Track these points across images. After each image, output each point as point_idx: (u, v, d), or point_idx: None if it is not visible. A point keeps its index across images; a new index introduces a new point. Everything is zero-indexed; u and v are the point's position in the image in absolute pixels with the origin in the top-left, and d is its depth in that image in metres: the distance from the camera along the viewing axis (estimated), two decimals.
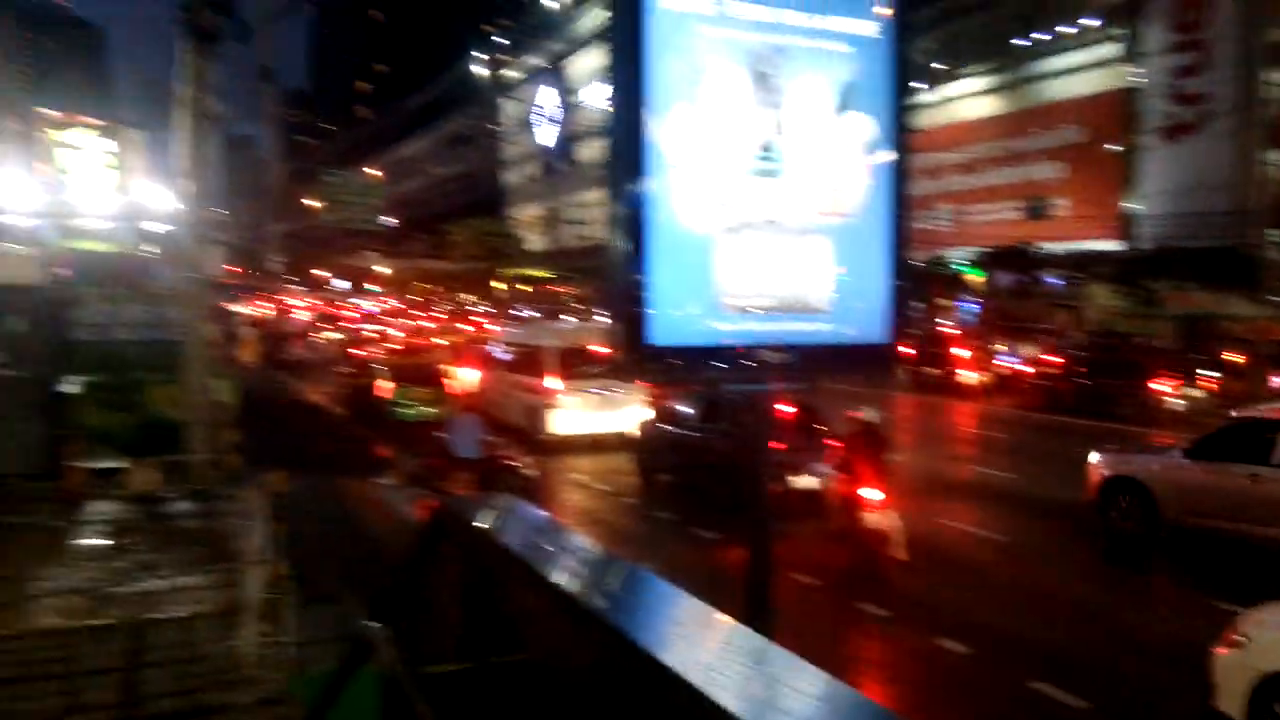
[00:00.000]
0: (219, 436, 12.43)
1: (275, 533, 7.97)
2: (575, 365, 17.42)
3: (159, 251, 29.51)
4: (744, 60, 4.12)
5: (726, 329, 4.19)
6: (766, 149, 4.20)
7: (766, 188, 4.23)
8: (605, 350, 17.49)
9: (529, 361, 18.48)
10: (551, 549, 2.82)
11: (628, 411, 16.50)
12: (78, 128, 32.47)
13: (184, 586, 7.76)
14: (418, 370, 19.97)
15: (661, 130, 3.97)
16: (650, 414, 15.43)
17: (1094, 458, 12.17)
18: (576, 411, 17.08)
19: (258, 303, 49.51)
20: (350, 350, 28.36)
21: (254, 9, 24.92)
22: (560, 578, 2.52)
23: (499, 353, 20.41)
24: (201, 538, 9.85)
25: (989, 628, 8.74)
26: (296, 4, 70.29)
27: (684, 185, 4.07)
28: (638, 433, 15.44)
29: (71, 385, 12.69)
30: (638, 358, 4.07)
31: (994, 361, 27.22)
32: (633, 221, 3.95)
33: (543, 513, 3.37)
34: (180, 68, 14.01)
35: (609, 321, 4.26)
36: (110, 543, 9.55)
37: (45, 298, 12.19)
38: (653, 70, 3.93)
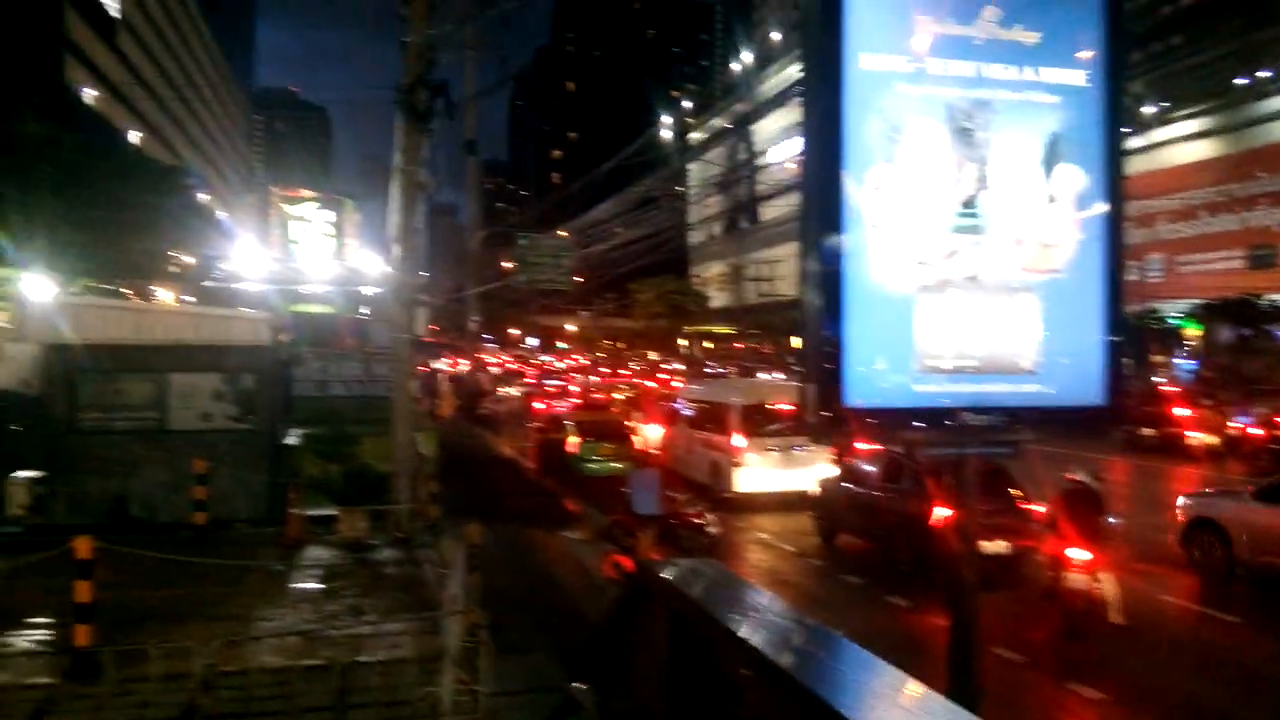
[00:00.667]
0: (420, 487, 13.10)
1: (471, 583, 8.25)
2: (759, 422, 17.30)
3: (370, 313, 31.76)
4: (944, 116, 4.02)
5: (926, 390, 4.05)
6: (969, 205, 4.07)
7: (969, 244, 4.09)
8: (789, 407, 17.29)
9: (712, 417, 18.49)
10: (754, 615, 2.76)
11: (812, 470, 16.24)
12: (305, 201, 35.56)
13: (387, 631, 8.15)
14: (604, 425, 20.38)
15: (858, 190, 3.92)
16: (833, 472, 15.10)
17: (1181, 501, 13.09)
18: (760, 469, 16.92)
19: (456, 360, 52.21)
20: (538, 405, 29.33)
21: (460, 88, 26.61)
22: (766, 646, 2.46)
23: (683, 408, 20.46)
24: (403, 584, 10.35)
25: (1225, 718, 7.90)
26: (500, 82, 74.73)
27: (881, 244, 3.99)
28: (817, 490, 15.10)
29: (293, 437, 13.77)
30: (832, 419, 3.98)
31: (1227, 422, 24.71)
32: (828, 281, 3.91)
33: (742, 578, 3.31)
34: (396, 143, 15.13)
35: (801, 382, 4.15)
36: (323, 587, 10.19)
37: (273, 357, 13.32)
38: (850, 131, 3.90)
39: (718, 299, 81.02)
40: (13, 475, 12.51)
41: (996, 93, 4.05)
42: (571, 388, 36.78)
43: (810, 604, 10.97)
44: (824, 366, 3.88)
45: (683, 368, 60.16)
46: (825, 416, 3.92)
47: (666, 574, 3.36)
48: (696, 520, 12.98)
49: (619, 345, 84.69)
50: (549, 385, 39.80)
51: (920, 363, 4.02)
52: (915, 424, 4.07)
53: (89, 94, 55.54)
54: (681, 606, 2.99)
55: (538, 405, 28.48)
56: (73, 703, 6.58)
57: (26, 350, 13.26)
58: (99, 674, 6.37)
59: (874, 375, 3.95)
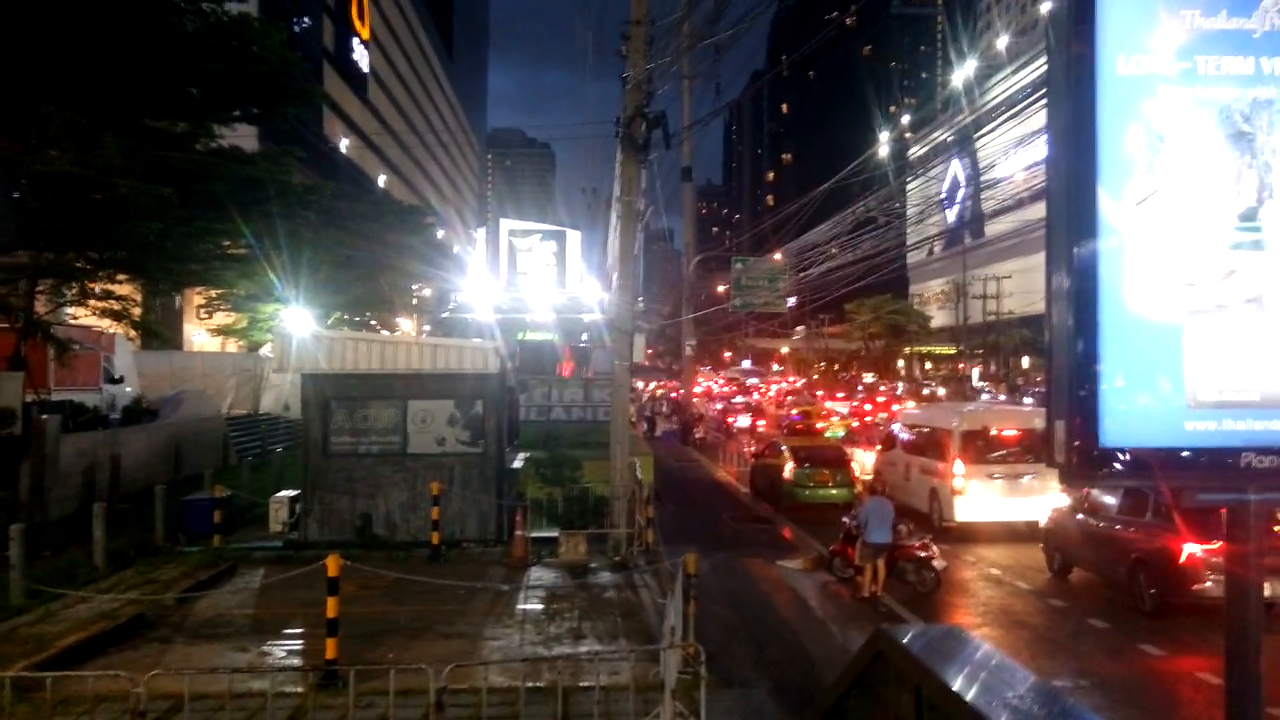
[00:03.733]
0: (638, 512, 13.25)
1: (689, 613, 8.19)
2: (982, 448, 16.47)
3: (590, 339, 32.74)
4: (1218, 120, 3.56)
5: (1199, 428, 3.57)
6: (1249, 218, 3.57)
7: (1249, 262, 3.59)
8: (1015, 432, 16.62)
9: (931, 443, 17.76)
10: (1013, 700, 2.40)
11: (1042, 499, 15.21)
12: (531, 234, 37.29)
13: (606, 656, 8.22)
14: (821, 451, 19.90)
15: (1115, 205, 3.53)
16: (1063, 501, 14.08)
17: None
18: (983, 497, 16.04)
19: (673, 384, 52.95)
20: (754, 429, 29.08)
21: (677, 116, 27.07)
22: None
23: (900, 433, 19.71)
24: (622, 609, 10.46)
25: None
26: (715, 113, 75.57)
27: (1144, 264, 3.57)
28: (1047, 522, 14.03)
29: (518, 461, 14.34)
30: (1087, 461, 3.58)
31: None
32: (1080, 308, 3.53)
33: (1007, 658, 2.88)
34: (616, 174, 15.47)
35: (1048, 417, 3.77)
36: (546, 608, 10.47)
37: (501, 384, 13.93)
38: (1105, 141, 3.52)
39: (939, 318, 77.84)
40: (275, 495, 13.72)
41: None
42: (793, 411, 36.26)
43: (1054, 651, 10.13)
44: (1076, 400, 3.50)
45: (897, 389, 58.13)
46: (1079, 458, 3.53)
47: (911, 644, 2.95)
48: (922, 553, 12.35)
49: (835, 367, 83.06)
50: (770, 408, 39.51)
51: (1192, 397, 3.56)
52: (1187, 467, 3.60)
53: (344, 143, 61.01)
54: (931, 691, 2.61)
55: (757, 430, 28.24)
56: (320, 713, 7.04)
57: (288, 379, 14.54)
58: (344, 686, 6.79)
59: (1136, 410, 3.53)
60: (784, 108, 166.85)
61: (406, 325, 45.83)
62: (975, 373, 66.30)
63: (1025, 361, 61.79)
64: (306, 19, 53.98)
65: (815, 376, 78.58)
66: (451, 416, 13.52)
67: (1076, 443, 3.51)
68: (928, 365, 77.64)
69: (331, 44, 60.43)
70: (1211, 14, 3.58)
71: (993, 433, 16.73)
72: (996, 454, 16.40)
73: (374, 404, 13.39)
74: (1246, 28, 3.58)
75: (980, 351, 65.58)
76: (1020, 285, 60.70)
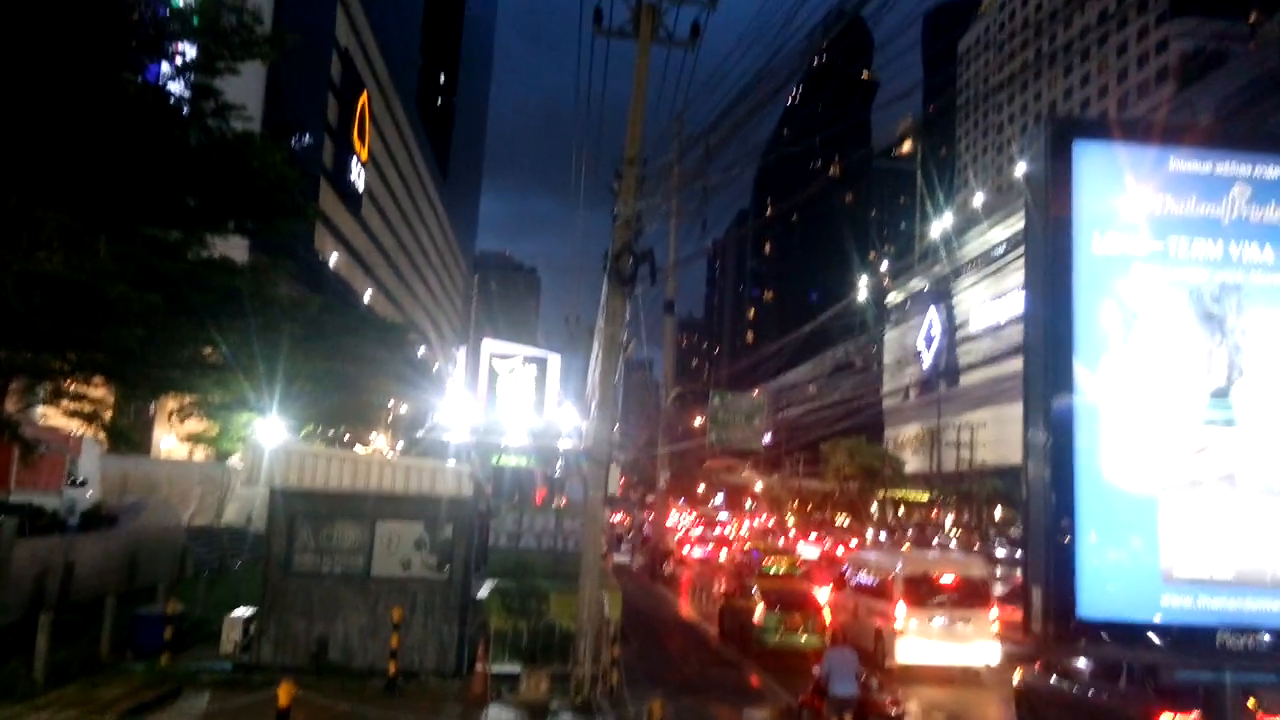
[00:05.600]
0: (603, 649, 12.88)
1: None
2: (923, 592, 17.13)
3: (564, 466, 32.51)
4: (1189, 300, 3.71)
5: (1175, 604, 3.58)
6: (1220, 395, 3.67)
7: (1221, 439, 3.67)
8: (953, 578, 17.40)
9: (877, 585, 18.39)
10: None
11: (978, 645, 16.48)
12: (511, 356, 37.47)
13: None
14: (791, 595, 19.59)
15: (1091, 377, 3.63)
16: (995, 648, 15.55)
17: None
18: (923, 640, 16.65)
19: (643, 516, 52.41)
20: (720, 568, 28.66)
21: (662, 250, 27.74)
22: None
23: (850, 574, 20.19)
24: None
25: None
26: (700, 254, 77.59)
27: (1118, 438, 3.64)
28: (1018, 683, 13.83)
29: (484, 590, 13.99)
30: (1064, 632, 3.56)
31: None
32: (1057, 479, 3.57)
33: None
34: (601, 305, 15.71)
35: (1025, 581, 3.77)
36: None
37: (473, 510, 13.74)
38: (1080, 315, 3.64)
39: (913, 463, 78.07)
40: (230, 614, 13.28)
41: (1249, 275, 3.71)
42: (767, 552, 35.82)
43: None
44: (1053, 574, 3.50)
45: (874, 533, 57.73)
46: (1056, 628, 3.51)
47: None
48: (893, 710, 12.02)
49: (809, 507, 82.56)
50: (737, 546, 39.07)
51: (1168, 571, 3.58)
52: (1164, 643, 3.58)
53: (333, 257, 61.84)
54: None
55: (723, 568, 27.87)
56: None
57: (256, 492, 14.28)
58: None
59: (1113, 582, 3.54)
60: (766, 247, 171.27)
61: (381, 441, 45.43)
62: (949, 520, 66.11)
63: (999, 512, 61.78)
64: (308, 136, 55.50)
65: (788, 516, 77.99)
66: (419, 540, 13.26)
67: (1055, 613, 3.50)
68: (900, 510, 77.38)
69: (330, 162, 61.99)
70: (1182, 198, 3.78)
71: (933, 578, 17.44)
72: (937, 599, 17.04)
73: (341, 523, 13.14)
74: (1215, 214, 3.77)
75: (954, 498, 65.56)
76: (994, 435, 61.24)
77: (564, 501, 24.08)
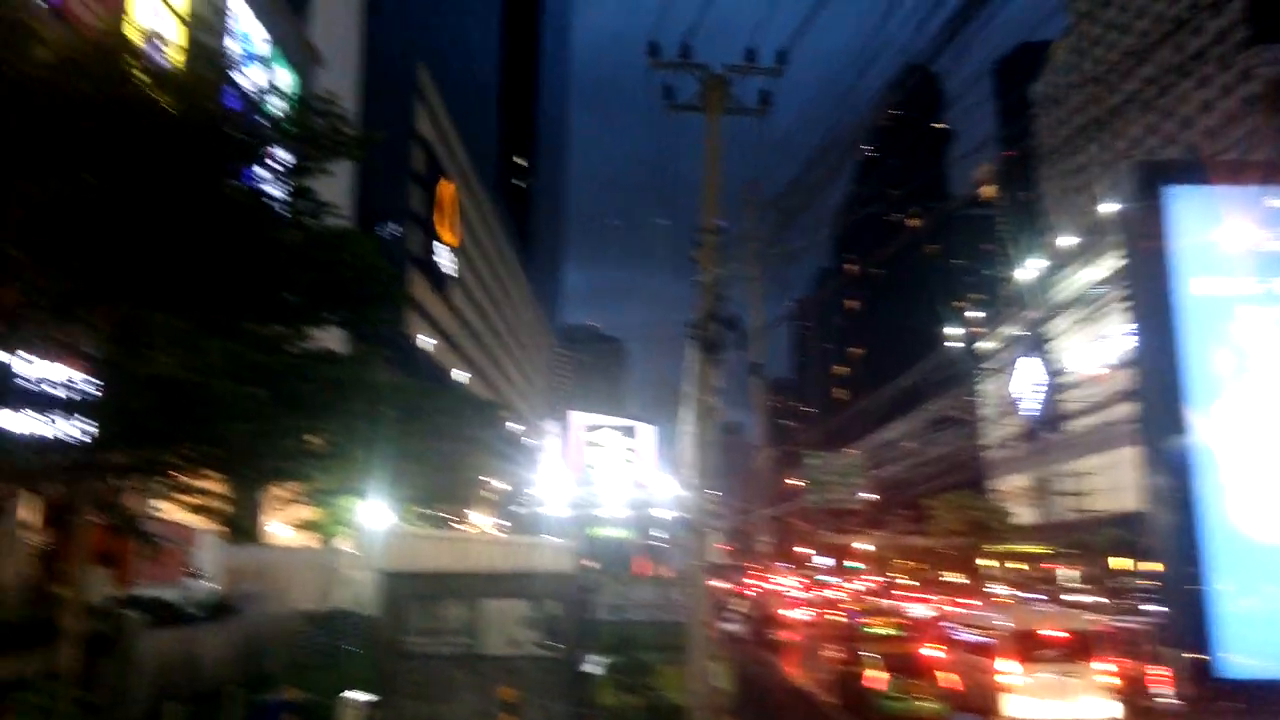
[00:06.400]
0: None
1: None
2: (1031, 648, 17.04)
3: (666, 537, 32.33)
4: None
5: None
6: None
7: None
8: (1063, 634, 17.26)
9: (989, 643, 18.15)
10: None
11: (1090, 701, 16.38)
12: (602, 428, 37.76)
13: None
14: (908, 658, 19.10)
15: (1206, 423, 3.52)
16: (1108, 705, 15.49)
17: None
18: (1032, 696, 16.58)
19: (746, 581, 51.55)
20: (828, 632, 27.93)
21: (747, 314, 27.76)
22: None
23: (956, 632, 19.80)
24: None
25: None
26: (786, 317, 77.50)
27: (1245, 487, 3.51)
28: None
29: (591, 665, 13.94)
30: (1206, 692, 3.41)
31: None
32: (1184, 534, 3.46)
33: None
34: (687, 371, 15.80)
35: (1164, 644, 3.62)
36: None
37: (575, 584, 13.77)
38: (1188, 359, 3.56)
39: (1023, 515, 75.21)
40: (343, 695, 13.50)
41: None
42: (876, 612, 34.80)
43: None
44: (1190, 634, 3.37)
45: (999, 590, 55.57)
46: (1199, 689, 3.37)
47: None
48: None
49: (918, 565, 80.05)
50: (847, 608, 38.07)
51: None
52: None
53: (424, 339, 63.61)
54: None
55: (837, 632, 27.19)
56: None
57: (365, 576, 14.60)
58: None
59: (1256, 638, 3.38)
60: (851, 303, 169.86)
61: (480, 519, 45.98)
62: (1061, 573, 63.32)
63: (1119, 562, 58.91)
64: (395, 226, 57.64)
65: (895, 575, 75.80)
66: (525, 617, 13.33)
67: (1195, 674, 3.35)
68: (1008, 564, 74.43)
69: (417, 249, 64.15)
70: None
71: (1043, 633, 17.38)
72: (1047, 654, 16.97)
73: (448, 603, 13.31)
74: None
75: (1075, 550, 62.81)
76: (1108, 481, 58.76)
77: (665, 571, 23.91)
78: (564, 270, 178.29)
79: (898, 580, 71.04)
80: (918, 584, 63.90)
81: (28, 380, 13.52)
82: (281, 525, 35.79)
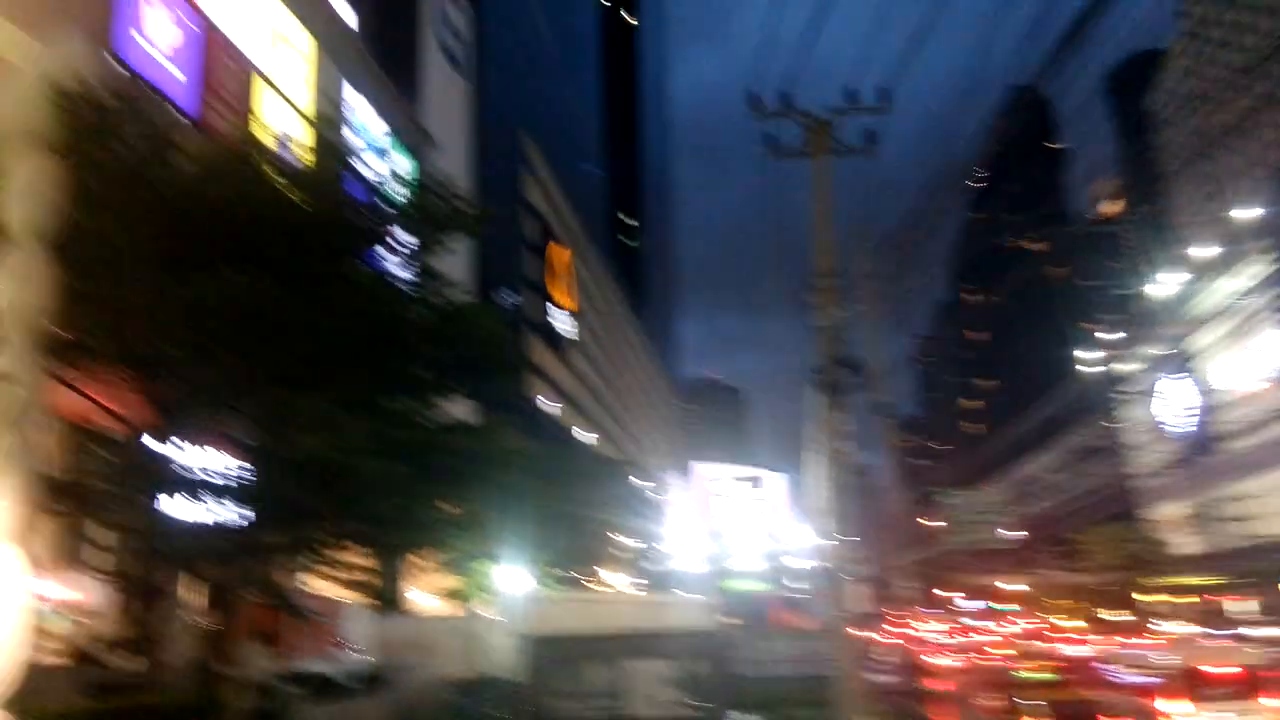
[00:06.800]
0: None
1: None
2: (1203, 686, 16.10)
3: (805, 588, 31.72)
4: None
5: None
6: None
7: None
8: (1234, 670, 16.45)
9: (1155, 681, 17.17)
10: None
11: None
12: (731, 479, 37.52)
13: None
14: (1077, 704, 18.10)
15: None
16: None
17: None
18: None
19: (888, 629, 49.87)
20: (985, 678, 26.68)
21: (867, 355, 27.30)
22: None
23: (1123, 673, 18.58)
24: None
25: None
26: (917, 357, 75.88)
27: None
28: None
29: None
30: None
31: None
32: None
33: None
34: (811, 417, 15.60)
35: None
36: None
37: (715, 641, 13.63)
38: None
39: (1183, 544, 70.58)
40: None
41: None
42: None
43: None
44: None
45: (1166, 626, 52.17)
46: None
47: None
48: None
49: (1073, 604, 75.92)
50: (996, 652, 36.31)
51: None
52: None
53: (545, 401, 64.78)
54: None
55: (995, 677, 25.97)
56: None
57: (507, 641, 14.80)
58: None
59: None
60: (975, 334, 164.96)
61: (614, 578, 46.08)
62: (1232, 605, 58.96)
63: None
64: (513, 295, 59.24)
65: (1049, 616, 72.04)
66: (667, 676, 13.24)
67: None
68: (1172, 598, 69.80)
69: (535, 314, 65.71)
70: None
71: (1210, 670, 16.60)
72: (1215, 691, 16.21)
73: (590, 665, 13.35)
74: None
75: (1248, 580, 58.51)
76: (1278, 504, 54.76)
77: (806, 623, 23.38)
78: (679, 324, 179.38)
79: (1054, 621, 67.40)
80: (1078, 623, 60.53)
81: (187, 469, 14.35)
82: (424, 594, 36.66)
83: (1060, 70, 12.60)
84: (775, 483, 38.58)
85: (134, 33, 21.89)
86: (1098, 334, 73.40)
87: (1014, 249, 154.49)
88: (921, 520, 56.16)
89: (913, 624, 51.65)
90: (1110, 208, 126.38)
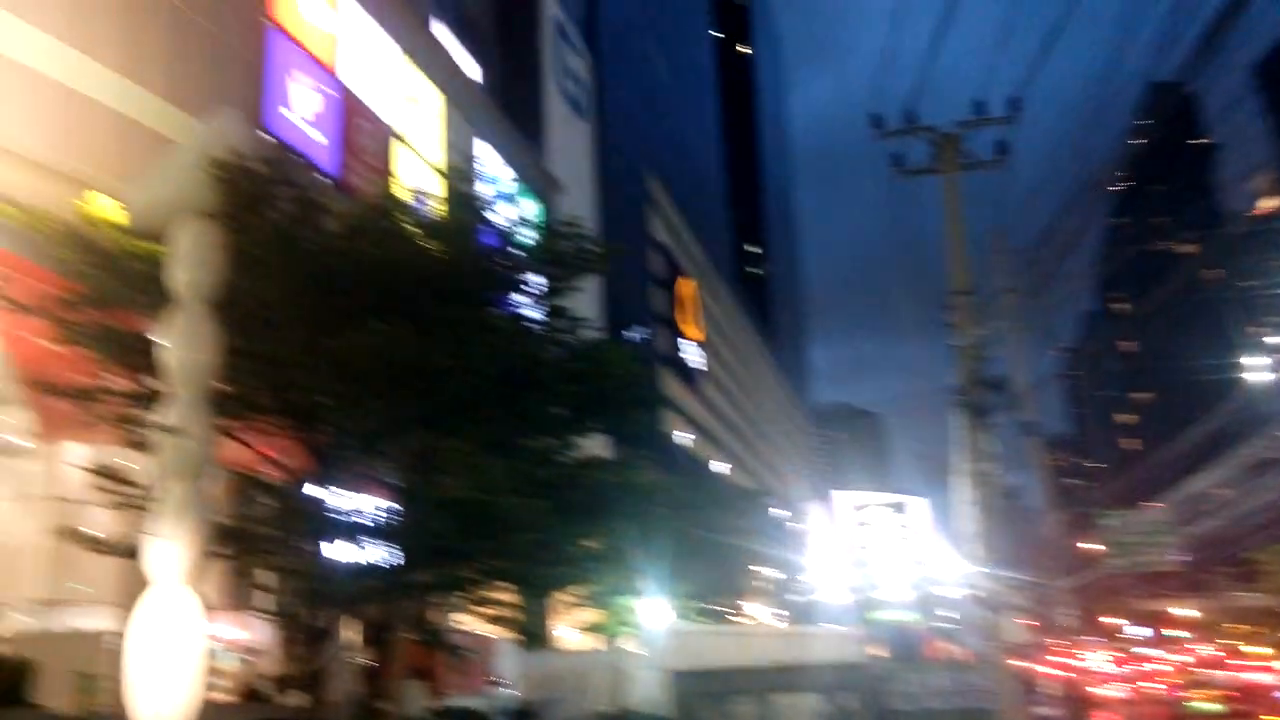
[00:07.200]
0: None
1: None
2: None
3: (955, 617, 30.54)
4: None
5: None
6: None
7: None
8: None
9: None
10: None
11: None
12: (874, 505, 36.61)
13: None
14: None
15: None
16: None
17: None
18: None
19: (1051, 659, 47.33)
20: (1155, 710, 25.01)
21: (1012, 373, 26.30)
22: None
23: None
24: None
25: None
26: (1056, 370, 72.69)
27: None
28: None
29: None
30: None
31: None
32: None
33: None
34: (954, 439, 15.10)
35: None
36: None
37: (866, 673, 13.25)
38: None
39: None
40: None
41: None
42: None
43: None
44: None
45: None
46: None
47: None
48: None
49: (1255, 629, 70.40)
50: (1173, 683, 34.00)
51: None
52: None
53: (679, 433, 64.87)
54: None
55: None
56: None
57: (651, 675, 14.79)
58: None
59: None
60: (1127, 344, 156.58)
61: (756, 609, 45.46)
62: None
63: None
64: (642, 329, 59.81)
65: (1229, 643, 67.02)
66: (818, 711, 12.95)
67: None
68: None
69: (665, 347, 66.11)
70: None
71: None
72: None
73: (739, 700, 13.19)
74: None
75: None
76: None
77: (960, 654, 22.46)
78: (810, 350, 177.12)
79: (1238, 647, 62.63)
80: (1262, 649, 56.03)
81: (342, 512, 15.00)
82: (569, 629, 37.08)
83: (1204, 65, 11.93)
84: (918, 508, 37.31)
85: (281, 107, 23.41)
86: (1265, 338, 68.45)
87: (1163, 253, 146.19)
88: (1079, 543, 53.29)
89: (1077, 653, 48.87)
90: (1270, 203, 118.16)
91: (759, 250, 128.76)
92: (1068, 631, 32.93)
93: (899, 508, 40.03)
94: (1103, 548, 36.55)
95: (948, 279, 15.46)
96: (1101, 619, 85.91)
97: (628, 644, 30.89)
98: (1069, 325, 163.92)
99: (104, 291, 13.40)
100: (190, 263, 10.48)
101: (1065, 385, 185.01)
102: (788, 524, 68.42)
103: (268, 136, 22.42)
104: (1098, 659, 59.99)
